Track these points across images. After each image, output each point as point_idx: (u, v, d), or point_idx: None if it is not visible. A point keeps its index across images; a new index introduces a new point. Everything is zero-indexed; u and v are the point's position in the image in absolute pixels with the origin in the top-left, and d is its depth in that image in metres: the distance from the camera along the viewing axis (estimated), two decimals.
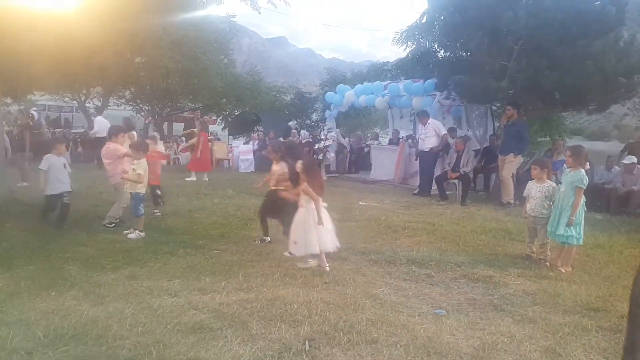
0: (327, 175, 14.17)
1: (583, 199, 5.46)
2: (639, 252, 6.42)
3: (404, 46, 13.08)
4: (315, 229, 5.12)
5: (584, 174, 5.49)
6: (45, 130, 19.93)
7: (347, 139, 17.32)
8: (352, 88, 15.09)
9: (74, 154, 17.46)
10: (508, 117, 9.86)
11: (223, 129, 24.85)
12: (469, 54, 11.34)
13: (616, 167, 10.38)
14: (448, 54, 12.20)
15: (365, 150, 16.51)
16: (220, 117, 24.81)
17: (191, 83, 18.74)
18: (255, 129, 21.68)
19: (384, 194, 11.03)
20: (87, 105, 22.44)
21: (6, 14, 9.05)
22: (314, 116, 24.30)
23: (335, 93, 15.61)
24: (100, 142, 15.13)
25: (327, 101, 16.27)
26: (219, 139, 20.24)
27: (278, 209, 5.99)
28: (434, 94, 12.17)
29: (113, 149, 7.11)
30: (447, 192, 10.44)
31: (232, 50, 22.60)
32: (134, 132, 9.78)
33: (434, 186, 10.79)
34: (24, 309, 3.84)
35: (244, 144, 17.99)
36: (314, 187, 5.21)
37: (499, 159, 10.01)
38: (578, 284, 4.96)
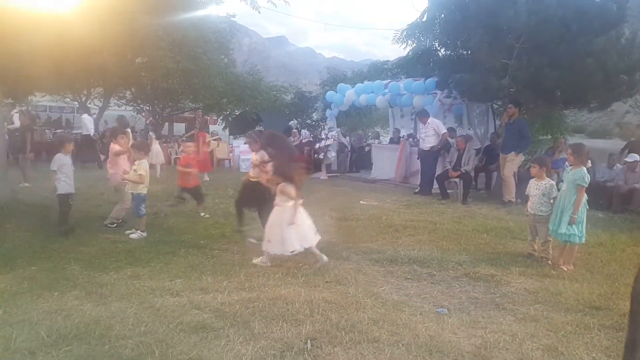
0: (328, 174, 14.19)
1: (585, 197, 5.45)
2: None
3: (405, 45, 13.08)
4: (295, 227, 5.17)
5: (586, 172, 5.48)
6: (46, 130, 20.00)
7: (347, 138, 17.32)
8: (353, 87, 15.10)
9: (74, 154, 17.47)
10: (509, 116, 9.85)
11: (224, 128, 24.86)
12: (469, 52, 11.33)
13: (618, 165, 10.37)
14: (449, 52, 12.19)
15: (366, 149, 16.51)
16: (221, 117, 24.82)
17: (192, 83, 18.75)
18: (256, 128, 21.67)
19: (385, 193, 11.03)
20: (88, 105, 22.46)
21: (7, 15, 9.06)
22: (315, 115, 24.32)
23: (336, 92, 15.61)
24: (87, 140, 15.23)
25: (327, 100, 16.28)
26: (219, 139, 20.23)
27: (256, 199, 6.01)
28: (435, 93, 12.17)
29: (111, 149, 7.21)
30: (448, 191, 10.44)
31: (233, 49, 22.59)
32: (128, 130, 9.82)
33: (435, 185, 10.78)
34: (27, 309, 3.85)
35: (244, 143, 17.98)
36: (290, 184, 5.24)
37: (501, 157, 10.01)
38: (580, 282, 4.96)
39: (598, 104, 10.70)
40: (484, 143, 12.27)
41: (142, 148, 6.83)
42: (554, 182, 5.94)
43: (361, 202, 9.70)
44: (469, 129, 13.39)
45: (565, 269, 5.39)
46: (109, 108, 21.89)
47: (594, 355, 3.40)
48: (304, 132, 17.73)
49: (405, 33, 12.88)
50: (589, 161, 7.98)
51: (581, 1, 9.56)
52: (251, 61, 41.32)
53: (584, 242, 5.57)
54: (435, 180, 10.84)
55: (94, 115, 21.37)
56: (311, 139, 16.38)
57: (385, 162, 13.86)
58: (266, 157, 5.94)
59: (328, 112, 16.33)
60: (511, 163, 9.73)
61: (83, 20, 12.44)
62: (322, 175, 14.04)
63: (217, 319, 3.76)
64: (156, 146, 13.72)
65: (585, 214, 5.51)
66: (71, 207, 6.75)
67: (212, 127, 22.94)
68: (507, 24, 9.62)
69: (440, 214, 8.61)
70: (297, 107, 24.15)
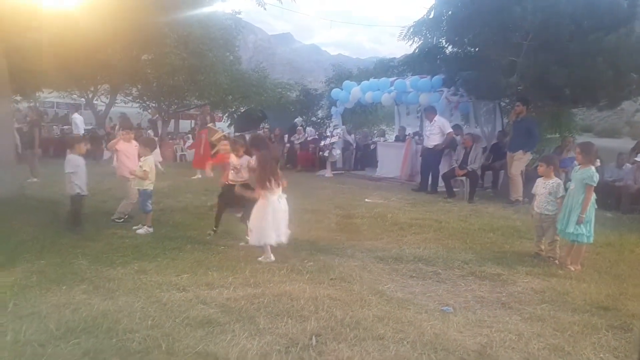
0: (333, 172, 14.18)
1: (594, 196, 5.42)
2: None
3: (411, 42, 12.98)
4: (273, 220, 5.27)
5: (594, 171, 5.44)
6: (54, 126, 20.12)
7: (353, 135, 17.30)
8: (359, 84, 15.05)
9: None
10: (517, 114, 9.80)
11: (229, 126, 24.89)
12: (477, 49, 11.27)
13: (627, 164, 10.29)
14: (456, 49, 12.12)
15: (372, 147, 16.48)
16: (226, 114, 24.84)
17: (197, 80, 18.76)
18: (261, 125, 21.68)
19: (390, 191, 11.01)
20: (94, 102, 22.54)
21: (14, 13, 9.10)
22: (320, 113, 24.26)
23: (342, 89, 15.57)
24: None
25: (333, 98, 16.24)
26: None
27: (237, 201, 6.07)
28: (442, 90, 12.12)
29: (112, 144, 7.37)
30: (454, 190, 10.40)
31: (238, 47, 22.56)
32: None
33: (441, 183, 10.76)
34: (36, 302, 3.89)
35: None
36: (263, 180, 5.33)
37: (508, 155, 9.96)
38: (588, 283, 4.94)
39: (607, 102, 10.61)
40: (491, 141, 12.22)
41: (148, 144, 6.86)
42: (561, 182, 5.91)
43: (366, 200, 9.69)
44: (476, 127, 13.32)
45: (572, 268, 5.37)
46: (116, 105, 21.97)
47: (601, 355, 3.39)
48: (309, 129, 17.71)
49: (411, 30, 12.80)
50: (598, 160, 7.92)
51: None
52: (256, 58, 41.29)
53: (592, 242, 5.54)
54: (441, 179, 10.81)
55: (100, 112, 21.51)
56: (316, 137, 16.39)
57: (391, 160, 13.83)
58: (251, 162, 6.03)
59: (333, 109, 16.29)
60: (518, 162, 9.68)
61: (89, 18, 12.50)
62: (327, 172, 14.04)
63: (222, 314, 3.77)
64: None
65: (593, 214, 5.47)
66: (129, 217, 6.75)
67: (217, 124, 22.95)
68: (515, 21, 9.54)
69: (446, 212, 8.59)
70: (303, 104, 24.10)
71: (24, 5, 9.08)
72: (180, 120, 25.67)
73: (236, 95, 21.97)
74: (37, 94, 20.67)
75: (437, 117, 11.13)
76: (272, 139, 17.30)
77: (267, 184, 5.32)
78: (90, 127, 20.11)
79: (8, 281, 4.33)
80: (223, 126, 24.40)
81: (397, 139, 15.23)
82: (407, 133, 14.69)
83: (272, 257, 5.33)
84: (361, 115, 22.13)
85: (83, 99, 22.41)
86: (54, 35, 12.72)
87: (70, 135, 6.40)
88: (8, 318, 3.56)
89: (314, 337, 3.44)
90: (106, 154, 15.98)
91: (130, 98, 22.44)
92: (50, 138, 17.44)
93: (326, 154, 14.14)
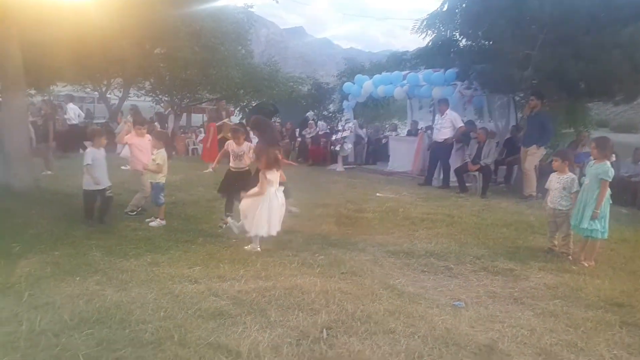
0: (344, 166, 14.16)
1: (609, 191, 5.35)
2: None
3: (424, 35, 12.88)
4: (268, 212, 5.35)
5: (610, 166, 5.37)
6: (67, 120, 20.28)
7: (364, 129, 17.24)
8: (371, 78, 14.98)
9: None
10: (531, 108, 9.68)
11: (240, 119, 24.97)
12: (491, 42, 11.14)
13: None
14: (470, 42, 12.01)
15: (383, 141, 16.42)
16: (238, 108, 24.90)
17: (209, 74, 18.81)
18: (273, 119, 21.69)
19: (402, 186, 10.97)
20: (108, 96, 22.70)
21: (29, 7, 9.17)
22: (332, 107, 24.24)
23: (353, 83, 15.51)
24: (74, 129, 15.45)
25: (344, 92, 16.19)
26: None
27: (238, 187, 6.11)
28: (455, 84, 12.01)
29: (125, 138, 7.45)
30: (467, 184, 10.34)
31: (250, 40, 22.57)
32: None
33: (454, 178, 10.70)
34: (51, 293, 3.94)
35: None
36: (267, 162, 5.41)
37: (522, 150, 9.86)
38: (602, 279, 4.89)
39: (624, 96, 10.47)
40: (505, 136, 12.11)
41: (161, 137, 6.91)
42: (575, 177, 5.85)
43: (377, 194, 9.66)
44: (490, 121, 13.22)
45: (586, 264, 5.32)
46: (129, 98, 22.11)
47: (615, 352, 3.36)
48: (321, 123, 17.70)
49: (425, 23, 12.69)
50: (613, 155, 7.82)
51: None
52: (268, 52, 41.29)
53: (606, 237, 5.49)
54: (453, 173, 10.75)
55: (114, 106, 21.67)
56: (328, 131, 16.36)
57: (403, 155, 13.77)
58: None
59: (345, 103, 16.25)
60: (532, 156, 9.58)
61: (103, 12, 12.57)
62: (339, 167, 14.02)
63: (234, 306, 3.79)
64: None
65: (608, 209, 5.41)
66: (112, 200, 6.56)
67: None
68: (530, 13, 9.42)
69: (458, 207, 8.54)
70: (314, 98, 24.09)
71: (37, 0, 9.16)
72: (193, 114, 25.77)
73: (248, 89, 22.00)
74: (51, 88, 20.85)
75: (448, 111, 11.04)
76: (283, 132, 17.35)
77: (272, 166, 5.40)
78: (103, 121, 20.29)
79: (23, 272, 4.39)
80: (234, 120, 24.48)
81: (409, 133, 15.15)
82: (419, 127, 14.59)
83: (259, 248, 5.41)
84: (373, 109, 22.04)
85: (96, 93, 22.59)
86: (68, 29, 12.82)
87: (91, 128, 6.34)
88: (23, 308, 3.61)
89: (324, 330, 3.44)
90: (119, 147, 16.15)
91: (143, 92, 22.58)
92: (64, 131, 17.60)
93: (338, 148, 14.11)
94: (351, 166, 14.66)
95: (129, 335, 3.26)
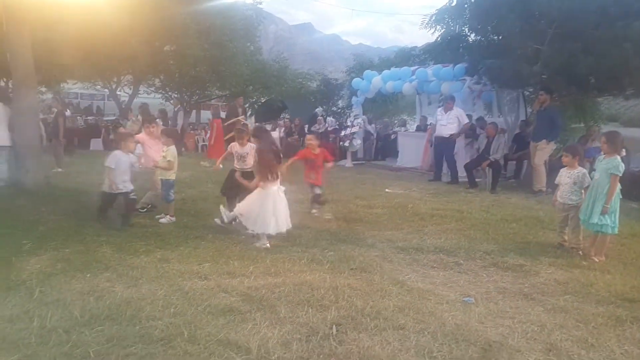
0: (353, 162, 14.14)
1: (619, 186, 5.31)
2: None
3: (433, 30, 12.85)
4: (273, 211, 5.45)
5: (620, 160, 5.32)
6: (78, 117, 20.45)
7: (373, 125, 17.20)
8: (379, 74, 14.94)
9: (106, 141, 17.84)
10: (541, 103, 9.62)
11: (249, 116, 25.01)
12: (500, 37, 11.08)
13: None
14: (479, 37, 11.94)
15: (392, 137, 16.38)
16: (247, 105, 24.95)
17: (218, 70, 18.85)
18: (282, 116, 21.69)
19: (411, 182, 10.95)
20: (118, 93, 22.83)
21: (40, 6, 9.24)
22: (341, 103, 24.16)
23: (362, 79, 15.48)
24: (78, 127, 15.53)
25: (353, 87, 16.16)
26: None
27: (240, 188, 6.17)
28: (464, 79, 11.96)
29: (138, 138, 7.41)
30: (476, 180, 10.29)
31: (259, 37, 22.59)
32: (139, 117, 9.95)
33: (463, 173, 10.66)
34: (61, 289, 3.96)
35: (270, 131, 18.03)
36: (262, 172, 5.55)
37: (531, 145, 9.80)
38: (612, 274, 4.86)
39: (634, 91, 10.34)
40: (514, 131, 12.03)
41: (171, 135, 6.93)
42: (586, 171, 5.81)
43: (386, 190, 9.65)
44: (499, 116, 13.14)
45: (596, 260, 5.29)
46: (139, 95, 22.22)
47: (626, 347, 3.33)
48: (330, 119, 17.67)
49: (434, 18, 12.65)
50: (624, 150, 7.75)
51: None
52: (277, 48, 41.26)
53: (616, 232, 5.44)
54: (463, 169, 10.71)
55: (124, 103, 21.78)
56: (337, 127, 16.35)
57: (412, 150, 13.73)
58: (254, 150, 6.18)
59: (354, 99, 16.22)
60: (542, 151, 9.52)
61: (113, 10, 12.64)
62: (348, 163, 14.01)
63: (243, 303, 3.81)
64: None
65: (618, 204, 5.36)
66: (135, 202, 6.43)
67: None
68: (539, 8, 9.34)
69: (468, 202, 8.50)
70: (323, 94, 24.02)
71: None
72: (202, 111, 25.86)
73: (257, 85, 22.03)
74: (61, 85, 21.02)
75: (454, 107, 11.00)
76: (292, 129, 17.35)
77: (267, 175, 5.50)
78: (114, 118, 20.41)
79: (34, 269, 4.42)
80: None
81: (418, 128, 15.11)
82: (428, 123, 14.54)
83: (268, 244, 5.46)
84: (382, 105, 21.98)
85: (106, 90, 22.72)
86: (78, 27, 12.92)
87: (121, 130, 6.21)
88: (34, 305, 3.64)
89: (334, 327, 3.45)
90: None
91: (152, 89, 22.69)
92: (74, 128, 17.74)
93: (347, 144, 14.10)
94: (360, 162, 14.65)
95: (139, 331, 3.27)
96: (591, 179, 5.58)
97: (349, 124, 14.88)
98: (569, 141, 11.55)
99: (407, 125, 19.27)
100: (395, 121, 21.74)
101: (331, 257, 5.09)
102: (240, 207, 5.70)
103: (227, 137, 12.00)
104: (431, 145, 11.91)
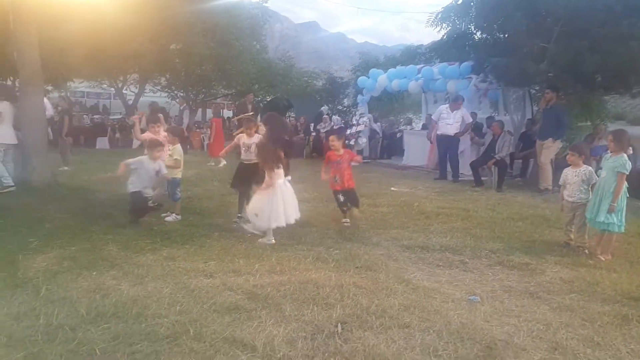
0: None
1: (625, 184, 5.28)
2: None
3: (439, 28, 12.82)
4: (283, 203, 5.47)
5: (627, 158, 5.29)
6: (84, 115, 20.56)
7: (379, 124, 17.18)
8: (385, 72, 14.92)
9: (112, 139, 17.95)
10: (547, 101, 9.58)
11: (255, 114, 25.04)
12: (506, 35, 11.04)
13: None
14: (485, 35, 11.91)
15: (398, 135, 16.35)
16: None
17: (224, 69, 18.91)
18: (287, 114, 21.70)
19: (416, 180, 10.93)
20: (124, 92, 22.93)
21: (46, 5, 9.29)
22: (346, 101, 24.18)
23: (368, 77, 15.45)
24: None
25: (359, 86, 16.14)
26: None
27: (250, 180, 6.10)
28: (470, 77, 11.92)
29: (144, 137, 7.39)
30: (482, 178, 10.26)
31: (264, 35, 22.65)
32: (160, 115, 9.95)
33: (469, 172, 10.63)
34: (67, 287, 3.99)
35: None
36: (264, 164, 5.52)
37: (538, 143, 9.76)
38: (618, 273, 4.83)
39: None
40: (521, 129, 11.99)
41: (177, 133, 6.96)
42: (592, 169, 5.79)
43: (392, 188, 9.63)
44: (505, 114, 13.10)
45: (602, 258, 5.26)
46: (144, 94, 22.31)
47: (632, 346, 3.31)
48: (335, 118, 17.66)
49: (440, 16, 12.61)
50: (630, 148, 7.70)
51: None
52: (283, 47, 41.28)
53: (623, 231, 5.41)
54: (469, 167, 10.68)
55: (130, 102, 21.87)
56: (342, 125, 16.32)
57: (418, 149, 13.70)
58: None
59: (359, 97, 16.20)
60: (548, 150, 9.48)
61: (119, 8, 12.70)
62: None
63: (249, 301, 3.82)
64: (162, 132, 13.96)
65: (625, 202, 5.34)
66: (152, 209, 6.31)
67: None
68: (546, 6, 9.29)
69: (473, 201, 8.48)
70: (329, 93, 24.05)
71: None
72: (208, 110, 25.94)
73: (262, 84, 22.08)
74: (67, 84, 21.14)
75: (461, 108, 10.98)
76: (298, 127, 17.35)
77: (270, 168, 5.47)
78: (120, 116, 20.51)
79: (41, 266, 4.45)
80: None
81: (424, 127, 15.06)
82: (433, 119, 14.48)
83: (273, 240, 5.49)
84: (388, 104, 21.97)
85: (113, 89, 22.81)
86: (84, 26, 12.98)
87: (152, 139, 6.12)
88: (41, 302, 3.66)
89: (339, 325, 3.45)
90: (135, 143, 16.30)
91: (158, 87, 22.76)
92: (81, 127, 17.84)
93: (352, 142, 14.08)
94: (366, 160, 14.61)
95: (145, 329, 3.29)
96: (597, 177, 5.56)
97: (354, 122, 14.87)
98: (576, 140, 11.48)
99: (413, 123, 19.21)
100: (401, 120, 21.68)
101: (336, 256, 5.09)
102: (252, 208, 5.61)
103: (237, 133, 11.98)
104: (431, 142, 11.86)
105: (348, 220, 6.55)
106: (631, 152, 7.90)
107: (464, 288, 4.35)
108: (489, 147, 10.31)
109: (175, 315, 3.50)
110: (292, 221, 5.60)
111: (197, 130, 19.52)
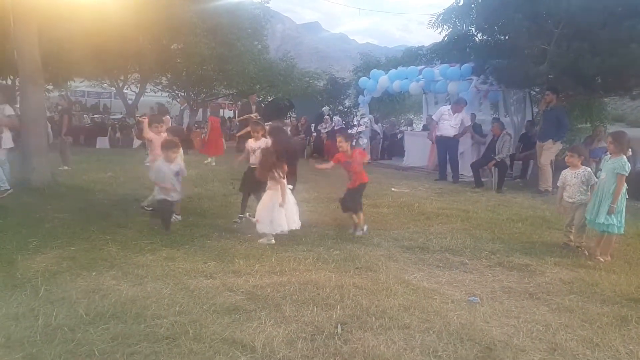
0: None
1: (625, 186, 5.28)
2: None
3: (440, 29, 12.81)
4: (284, 209, 5.55)
5: (626, 160, 5.30)
6: (84, 115, 20.57)
7: (380, 124, 17.18)
8: (386, 73, 14.92)
9: (113, 139, 17.94)
10: (547, 103, 9.59)
11: (256, 115, 25.04)
12: (507, 37, 11.04)
13: None
14: (486, 37, 11.91)
15: (399, 136, 16.35)
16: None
17: (225, 69, 18.89)
18: (288, 115, 21.71)
19: (417, 181, 10.93)
20: (125, 91, 22.93)
21: (47, 4, 9.29)
22: (347, 102, 24.18)
23: (369, 78, 15.46)
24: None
25: (360, 87, 16.15)
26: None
27: (257, 184, 6.09)
28: (471, 79, 11.93)
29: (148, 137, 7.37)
30: (482, 180, 10.26)
31: (266, 36, 22.62)
32: (167, 117, 9.95)
33: (469, 172, 10.63)
34: (67, 287, 3.99)
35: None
36: (263, 173, 5.62)
37: (538, 145, 9.78)
38: (618, 274, 4.83)
39: None
40: (521, 131, 11.99)
41: (177, 133, 6.95)
42: (591, 170, 5.80)
43: (392, 189, 9.63)
44: (506, 116, 13.10)
45: (602, 259, 5.26)
46: (145, 94, 22.30)
47: (631, 347, 3.32)
48: (336, 118, 17.66)
49: (441, 17, 12.61)
50: (630, 150, 7.70)
51: None
52: (284, 47, 41.35)
53: (622, 232, 5.42)
54: (470, 168, 10.68)
55: (130, 101, 21.88)
56: (343, 126, 16.32)
57: (418, 150, 13.70)
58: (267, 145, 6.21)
59: (360, 98, 16.21)
60: (548, 151, 9.49)
61: (120, 8, 12.70)
62: None
63: (249, 302, 3.82)
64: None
65: (624, 204, 5.34)
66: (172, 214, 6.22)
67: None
68: (546, 8, 9.30)
69: (473, 202, 8.48)
70: (330, 93, 24.04)
71: None
72: (209, 110, 25.95)
73: (264, 84, 22.06)
74: (68, 83, 21.16)
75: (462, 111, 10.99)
76: (298, 128, 17.35)
77: (268, 176, 5.56)
78: (120, 116, 20.51)
79: (40, 267, 4.45)
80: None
81: (425, 128, 15.06)
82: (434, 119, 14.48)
83: (273, 240, 5.57)
84: (388, 104, 21.98)
85: (113, 88, 22.82)
86: (85, 25, 12.98)
87: (166, 139, 6.01)
88: (40, 303, 3.66)
89: (339, 326, 3.45)
90: (136, 142, 16.31)
91: (159, 87, 22.76)
92: (81, 127, 17.84)
93: (353, 143, 14.06)
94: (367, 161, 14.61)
95: (145, 330, 3.29)
96: (597, 179, 5.56)
97: (355, 123, 14.87)
98: (575, 141, 11.51)
99: (414, 124, 19.21)
100: (402, 120, 21.67)
101: (337, 256, 5.09)
102: (257, 214, 5.70)
103: (241, 133, 11.98)
104: (432, 142, 11.87)
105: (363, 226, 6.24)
106: (630, 153, 7.91)
107: (464, 289, 4.36)
108: (488, 147, 10.31)
109: (174, 316, 3.50)
110: (294, 227, 5.68)
111: (198, 130, 19.52)
